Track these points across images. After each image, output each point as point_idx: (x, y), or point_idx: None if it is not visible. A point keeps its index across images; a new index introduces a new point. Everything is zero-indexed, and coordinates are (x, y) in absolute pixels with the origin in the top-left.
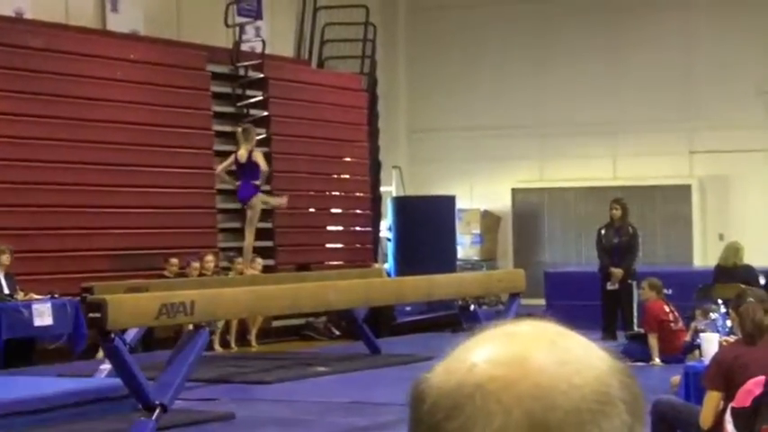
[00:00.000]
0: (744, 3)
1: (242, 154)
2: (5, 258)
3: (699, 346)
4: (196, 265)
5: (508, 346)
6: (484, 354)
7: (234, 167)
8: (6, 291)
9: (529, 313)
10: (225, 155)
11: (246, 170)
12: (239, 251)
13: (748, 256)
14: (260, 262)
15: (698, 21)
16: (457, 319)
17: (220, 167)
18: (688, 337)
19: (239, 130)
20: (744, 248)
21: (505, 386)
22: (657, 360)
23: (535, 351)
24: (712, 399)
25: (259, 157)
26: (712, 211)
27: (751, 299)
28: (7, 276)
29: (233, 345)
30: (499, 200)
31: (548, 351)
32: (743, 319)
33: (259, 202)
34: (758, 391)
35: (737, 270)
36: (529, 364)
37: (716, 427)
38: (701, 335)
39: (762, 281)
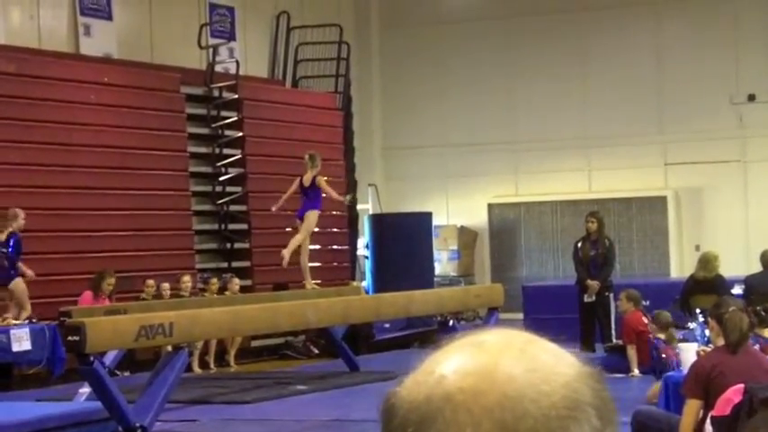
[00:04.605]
0: (714, 15)
1: (307, 178)
2: None
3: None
4: (166, 285)
5: (476, 356)
6: (452, 365)
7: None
8: None
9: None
10: (200, 176)
11: (310, 193)
12: (215, 272)
13: (725, 267)
14: (237, 282)
15: (669, 34)
16: (436, 334)
17: (285, 195)
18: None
19: (306, 156)
20: (718, 258)
21: (474, 397)
22: (636, 371)
23: (503, 360)
24: (692, 407)
25: (323, 183)
26: (688, 222)
27: (733, 307)
28: None
29: (212, 365)
30: (475, 215)
31: (516, 359)
32: (729, 328)
33: (314, 215)
34: (737, 399)
35: (714, 280)
36: (497, 374)
37: None
38: (679, 345)
39: (738, 290)
